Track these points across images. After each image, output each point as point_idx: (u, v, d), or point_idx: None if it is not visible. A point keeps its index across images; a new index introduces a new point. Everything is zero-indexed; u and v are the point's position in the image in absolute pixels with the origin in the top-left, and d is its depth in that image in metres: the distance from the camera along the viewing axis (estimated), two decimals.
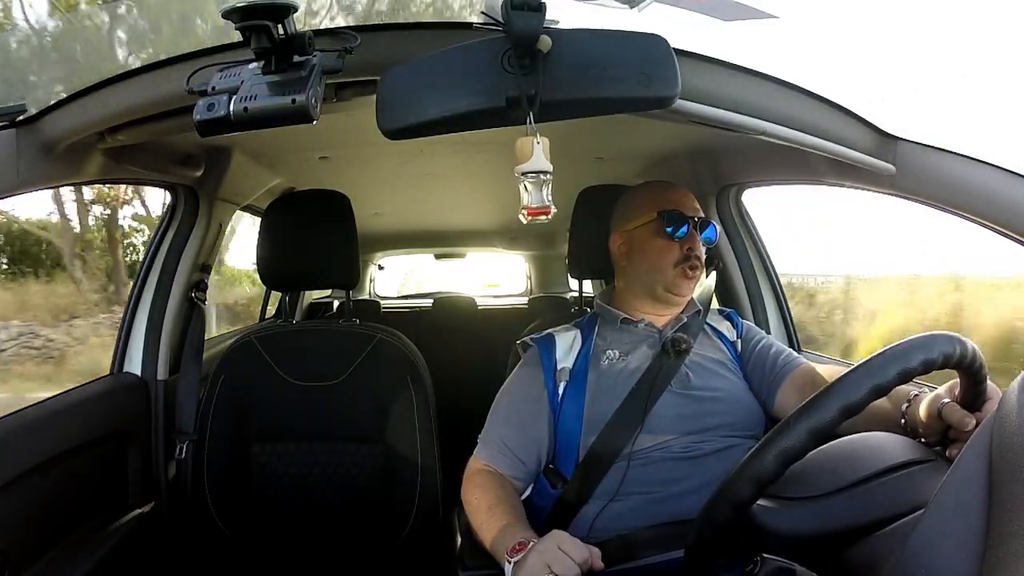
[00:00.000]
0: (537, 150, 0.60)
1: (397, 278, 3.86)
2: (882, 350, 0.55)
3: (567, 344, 1.00)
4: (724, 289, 1.39)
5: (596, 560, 0.73)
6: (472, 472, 0.95)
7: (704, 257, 1.00)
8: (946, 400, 0.62)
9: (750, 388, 0.98)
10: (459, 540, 0.98)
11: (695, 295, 1.05)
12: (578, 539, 0.74)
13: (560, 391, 0.95)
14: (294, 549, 1.20)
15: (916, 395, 0.69)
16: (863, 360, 0.55)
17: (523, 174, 0.61)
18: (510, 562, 0.75)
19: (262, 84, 0.57)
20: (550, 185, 0.62)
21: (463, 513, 1.06)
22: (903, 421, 0.69)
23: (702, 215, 1.00)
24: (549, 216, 0.62)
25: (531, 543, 0.74)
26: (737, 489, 0.54)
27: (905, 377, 0.53)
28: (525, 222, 0.63)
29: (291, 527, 1.20)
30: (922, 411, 0.65)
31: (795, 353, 1.00)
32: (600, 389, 0.93)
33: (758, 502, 0.56)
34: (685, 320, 1.01)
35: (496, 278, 3.89)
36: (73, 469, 1.01)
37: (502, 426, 0.96)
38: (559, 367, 0.97)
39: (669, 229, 0.97)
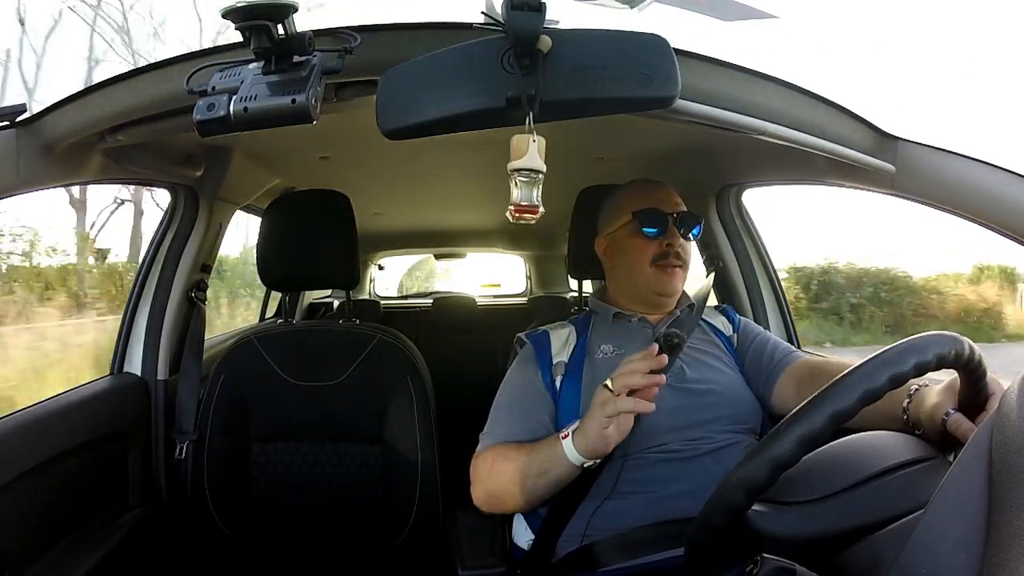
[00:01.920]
0: (532, 149, 0.60)
1: (395, 277, 3.86)
2: (875, 354, 0.54)
3: (561, 340, 1.00)
4: (724, 289, 1.39)
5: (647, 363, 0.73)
6: (481, 457, 0.91)
7: (686, 252, 0.99)
8: (951, 410, 0.62)
9: (747, 382, 0.98)
10: (459, 540, 0.98)
11: (691, 294, 1.05)
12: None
13: (558, 385, 0.95)
14: (294, 549, 1.20)
15: (918, 389, 0.68)
16: (855, 365, 0.54)
17: (515, 171, 0.61)
18: (566, 436, 0.77)
19: (262, 84, 0.57)
20: (540, 186, 0.62)
21: (463, 513, 1.05)
22: (905, 417, 0.68)
23: (683, 210, 0.99)
24: (536, 216, 0.62)
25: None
26: (729, 498, 0.54)
27: (898, 382, 0.53)
28: (512, 220, 0.62)
29: (291, 527, 1.20)
30: (924, 413, 0.65)
31: (793, 347, 1.00)
32: (595, 384, 0.92)
33: (757, 507, 0.56)
34: (679, 315, 1.01)
35: (496, 278, 3.88)
36: (73, 469, 1.01)
37: (505, 416, 0.94)
38: (555, 361, 0.97)
39: (646, 230, 0.97)
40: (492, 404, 0.99)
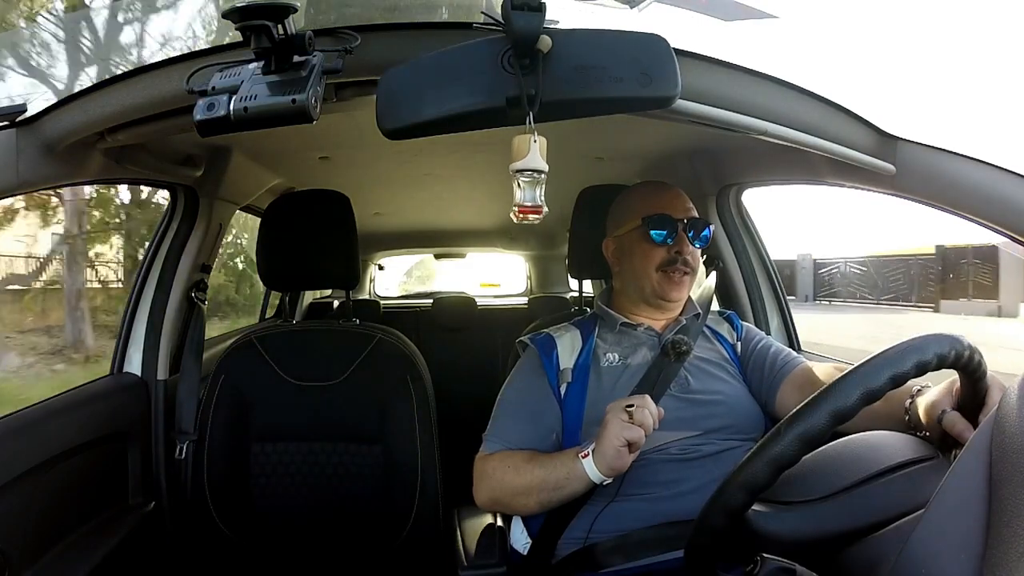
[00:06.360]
0: (533, 148, 0.60)
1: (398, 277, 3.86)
2: (875, 354, 0.54)
3: (567, 344, 0.99)
4: (724, 289, 1.39)
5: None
6: (488, 462, 0.92)
7: (695, 260, 0.99)
8: (947, 409, 0.61)
9: (750, 389, 0.98)
10: (459, 540, 0.98)
11: (695, 297, 1.05)
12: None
13: (563, 391, 0.95)
14: (294, 549, 1.20)
15: (919, 390, 0.68)
16: (855, 365, 0.54)
17: (517, 172, 0.61)
18: (585, 456, 0.80)
19: (262, 84, 0.57)
20: (543, 185, 0.62)
21: (463, 513, 1.05)
22: (907, 417, 0.68)
23: (694, 215, 0.99)
24: (540, 216, 0.62)
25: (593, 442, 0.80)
26: (730, 497, 0.54)
27: (898, 381, 0.53)
28: (516, 221, 0.63)
29: (291, 527, 1.20)
30: (922, 413, 0.65)
31: (795, 353, 1.00)
32: (600, 392, 0.93)
33: (757, 507, 0.56)
34: (684, 323, 1.00)
35: (495, 278, 3.88)
36: (73, 469, 1.01)
37: (512, 420, 0.95)
38: (562, 367, 0.97)
39: (656, 236, 0.96)
40: (495, 404, 0.98)
